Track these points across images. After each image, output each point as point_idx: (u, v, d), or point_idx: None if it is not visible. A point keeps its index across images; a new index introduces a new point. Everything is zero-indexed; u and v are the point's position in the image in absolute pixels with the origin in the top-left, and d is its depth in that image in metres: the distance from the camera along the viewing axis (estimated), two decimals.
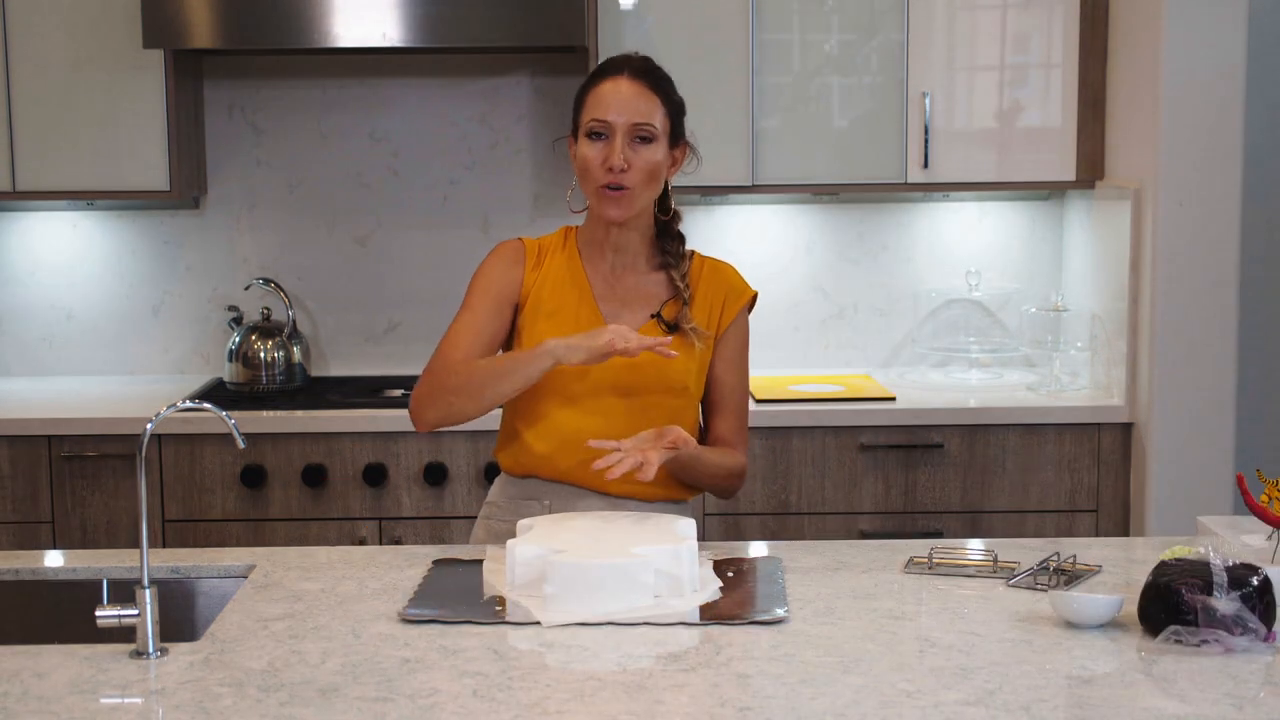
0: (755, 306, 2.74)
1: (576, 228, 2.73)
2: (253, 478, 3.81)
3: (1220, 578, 2.07)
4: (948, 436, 3.88)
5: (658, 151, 2.58)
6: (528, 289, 2.65)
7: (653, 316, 2.63)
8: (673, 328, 2.62)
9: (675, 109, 2.64)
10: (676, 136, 2.64)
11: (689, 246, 2.73)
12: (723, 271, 2.71)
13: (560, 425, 2.59)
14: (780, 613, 2.21)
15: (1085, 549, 2.55)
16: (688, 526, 2.39)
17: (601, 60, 2.68)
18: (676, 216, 2.70)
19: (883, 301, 4.42)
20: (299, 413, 3.89)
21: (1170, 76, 3.73)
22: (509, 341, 2.67)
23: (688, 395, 2.63)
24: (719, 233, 4.33)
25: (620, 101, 2.57)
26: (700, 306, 2.66)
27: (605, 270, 2.67)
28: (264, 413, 3.89)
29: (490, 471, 3.80)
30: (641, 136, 2.57)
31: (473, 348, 2.60)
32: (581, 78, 4.09)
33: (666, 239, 2.68)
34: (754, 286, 2.74)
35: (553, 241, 2.71)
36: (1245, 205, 3.80)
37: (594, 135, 2.58)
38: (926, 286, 4.40)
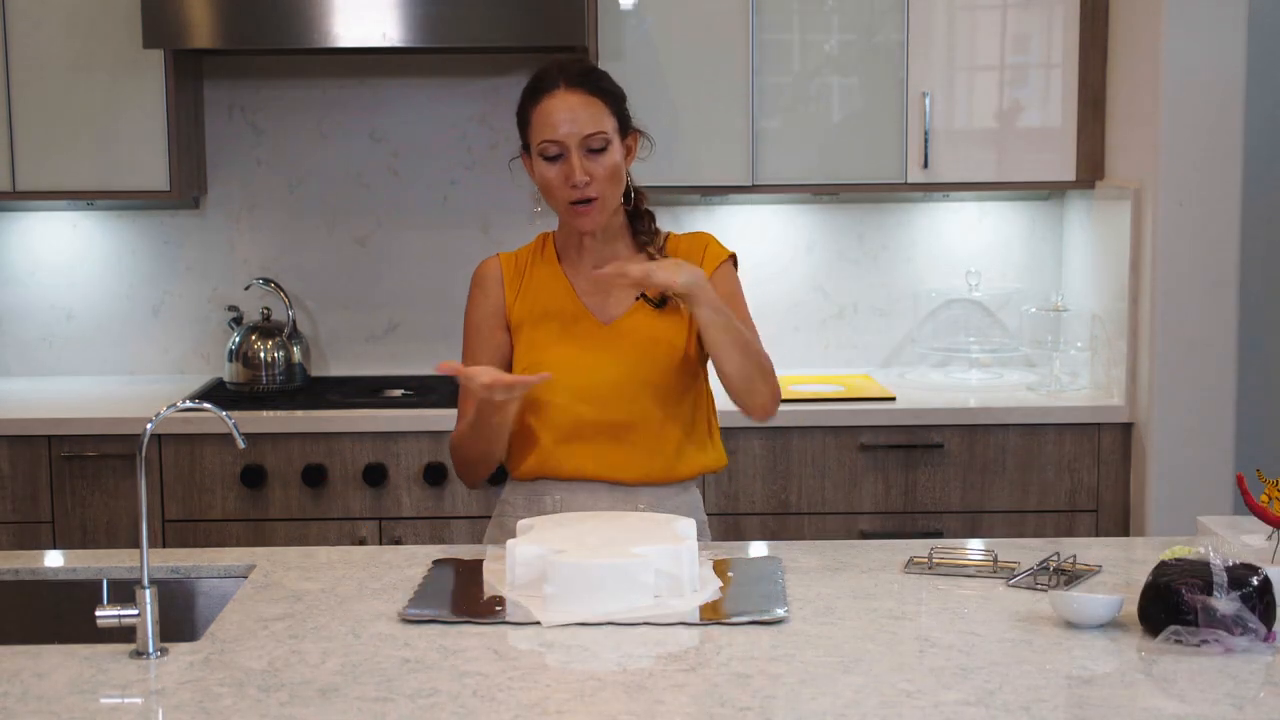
0: (738, 265, 2.74)
1: (553, 233, 2.75)
2: (253, 478, 3.81)
3: (1220, 578, 2.07)
4: (948, 436, 3.88)
5: (615, 153, 2.59)
6: (511, 306, 2.68)
7: (638, 297, 2.65)
8: (660, 303, 2.64)
9: (618, 103, 2.63)
10: (625, 128, 2.64)
11: (667, 231, 2.75)
12: (699, 237, 2.73)
13: (568, 422, 2.60)
14: (780, 613, 2.21)
15: (1085, 549, 2.55)
16: (688, 526, 2.39)
17: (532, 77, 2.65)
18: (643, 197, 2.70)
19: (883, 301, 4.42)
20: (299, 413, 3.89)
21: (1170, 76, 3.73)
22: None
23: (690, 363, 2.64)
24: (719, 233, 4.28)
25: (566, 117, 2.55)
26: None
27: (585, 266, 2.68)
28: (264, 413, 3.89)
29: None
30: (594, 147, 2.56)
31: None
32: None
33: (637, 219, 2.70)
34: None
35: (530, 251, 2.73)
36: (1245, 205, 3.80)
37: (548, 157, 2.58)
38: (926, 286, 4.40)
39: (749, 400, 2.59)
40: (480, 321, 2.69)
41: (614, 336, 2.63)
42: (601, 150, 2.57)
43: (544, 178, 2.59)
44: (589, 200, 2.57)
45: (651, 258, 2.65)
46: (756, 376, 2.57)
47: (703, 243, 2.71)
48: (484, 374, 2.45)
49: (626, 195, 2.68)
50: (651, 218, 2.71)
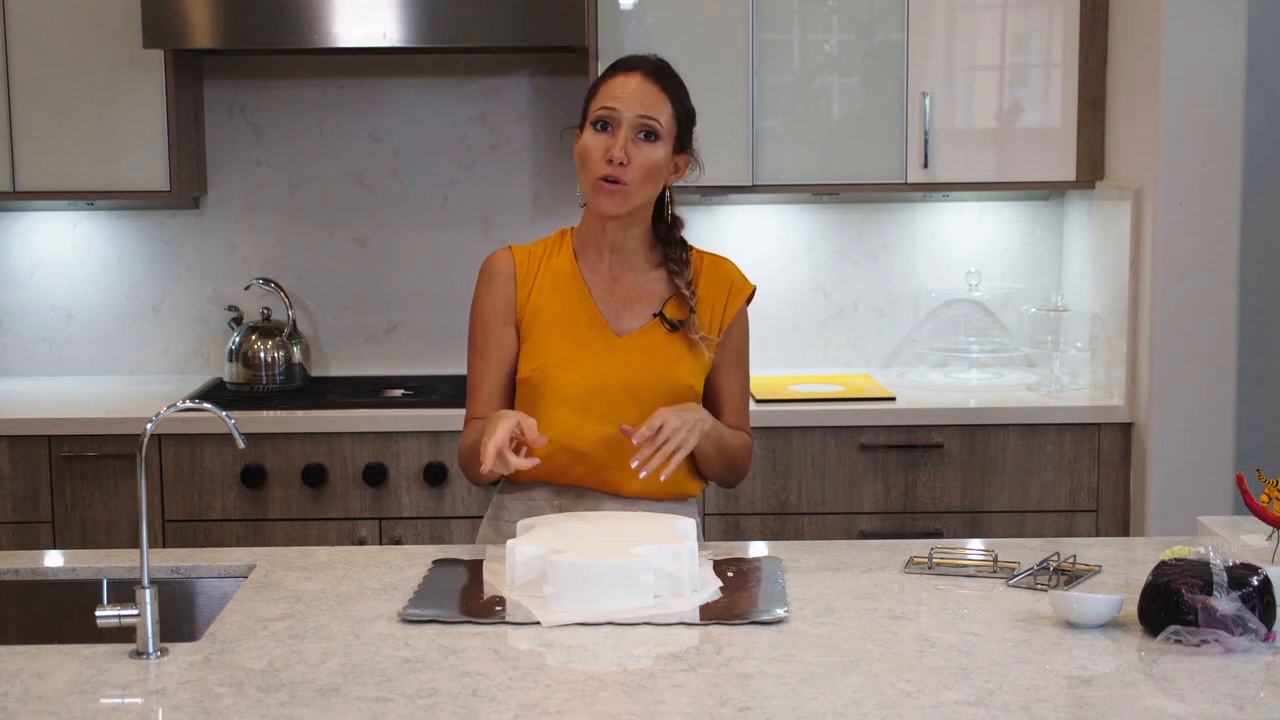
0: (753, 300, 2.74)
1: (573, 229, 2.71)
2: (253, 478, 3.81)
3: (1220, 578, 2.07)
4: (948, 436, 3.88)
5: (660, 150, 2.56)
6: (523, 303, 2.64)
7: (655, 316, 2.62)
8: (675, 326, 2.61)
9: (685, 114, 2.62)
10: (683, 144, 2.62)
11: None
12: (722, 267, 2.70)
13: (570, 431, 2.58)
14: (780, 613, 2.21)
15: (1085, 549, 2.55)
16: (688, 526, 2.39)
17: (616, 59, 2.67)
18: (678, 223, 2.68)
19: (883, 301, 4.42)
20: (299, 413, 3.89)
21: (1170, 76, 3.73)
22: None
23: (693, 394, 2.63)
24: (719, 233, 4.33)
25: (629, 94, 2.56)
26: (703, 305, 2.65)
27: (604, 271, 2.65)
28: (264, 413, 3.89)
29: None
30: (646, 132, 2.55)
31: (491, 393, 2.63)
32: (582, 78, 4.13)
33: (669, 246, 2.67)
34: (754, 286, 2.74)
35: (547, 245, 2.69)
36: (1245, 205, 3.80)
37: (599, 125, 2.56)
38: (926, 286, 4.40)
39: (730, 479, 2.73)
40: (490, 317, 2.64)
41: (625, 349, 2.60)
42: (650, 140, 2.56)
43: (584, 145, 2.57)
44: (616, 182, 2.54)
45: (678, 289, 2.63)
46: (731, 477, 2.71)
47: (727, 276, 2.69)
48: (529, 430, 2.43)
49: (661, 214, 2.66)
50: (685, 247, 2.68)
